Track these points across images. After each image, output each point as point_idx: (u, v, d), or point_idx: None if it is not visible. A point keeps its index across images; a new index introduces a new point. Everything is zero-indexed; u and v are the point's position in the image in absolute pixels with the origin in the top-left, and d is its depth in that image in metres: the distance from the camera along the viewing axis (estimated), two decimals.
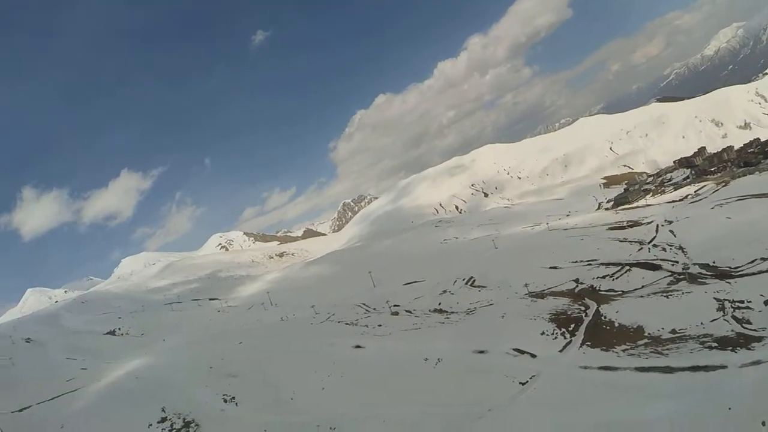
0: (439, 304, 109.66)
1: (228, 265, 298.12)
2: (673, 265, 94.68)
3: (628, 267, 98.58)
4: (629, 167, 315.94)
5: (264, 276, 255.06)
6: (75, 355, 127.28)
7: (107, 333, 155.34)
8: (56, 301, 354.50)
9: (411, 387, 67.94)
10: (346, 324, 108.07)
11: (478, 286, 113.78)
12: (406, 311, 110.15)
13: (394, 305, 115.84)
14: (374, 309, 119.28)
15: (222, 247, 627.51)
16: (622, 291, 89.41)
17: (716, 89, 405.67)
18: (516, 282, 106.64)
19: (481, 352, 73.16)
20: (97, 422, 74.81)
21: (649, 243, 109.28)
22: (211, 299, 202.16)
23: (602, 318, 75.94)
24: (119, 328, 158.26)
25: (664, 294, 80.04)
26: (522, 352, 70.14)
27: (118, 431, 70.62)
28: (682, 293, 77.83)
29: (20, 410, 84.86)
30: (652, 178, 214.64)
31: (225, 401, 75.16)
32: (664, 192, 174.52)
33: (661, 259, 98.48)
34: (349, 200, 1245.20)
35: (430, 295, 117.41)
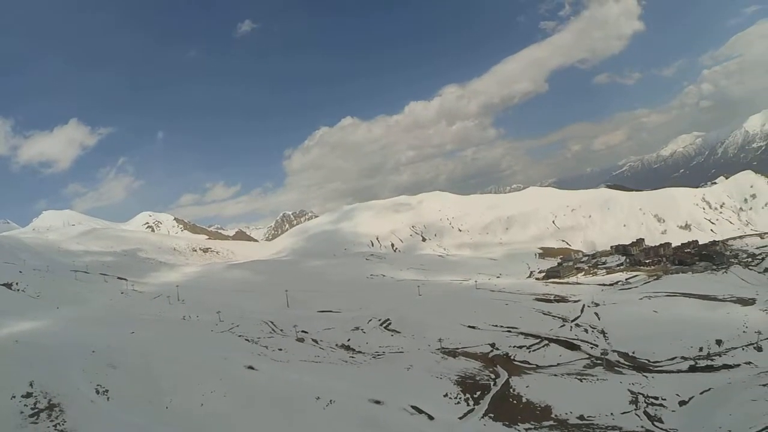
0: (348, 340, 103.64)
1: (149, 247, 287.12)
2: (592, 348, 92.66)
3: (547, 342, 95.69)
4: (567, 243, 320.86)
5: (182, 268, 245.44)
6: None
7: (2, 284, 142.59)
8: None
9: (294, 426, 61.86)
10: (246, 340, 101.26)
11: (392, 330, 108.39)
12: (313, 340, 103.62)
13: (302, 331, 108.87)
14: (281, 330, 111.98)
15: (148, 227, 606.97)
16: (537, 365, 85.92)
17: (665, 188, 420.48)
18: (431, 334, 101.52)
19: (378, 402, 67.25)
20: None
21: (572, 321, 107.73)
22: (119, 278, 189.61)
23: (511, 390, 71.57)
24: (17, 283, 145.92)
25: (579, 377, 77.00)
26: (420, 411, 64.61)
27: None
28: (597, 379, 74.97)
29: None
30: (587, 258, 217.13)
31: (97, 392, 67.71)
32: (596, 274, 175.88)
33: (582, 340, 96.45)
34: (290, 212, 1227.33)
35: (342, 329, 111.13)
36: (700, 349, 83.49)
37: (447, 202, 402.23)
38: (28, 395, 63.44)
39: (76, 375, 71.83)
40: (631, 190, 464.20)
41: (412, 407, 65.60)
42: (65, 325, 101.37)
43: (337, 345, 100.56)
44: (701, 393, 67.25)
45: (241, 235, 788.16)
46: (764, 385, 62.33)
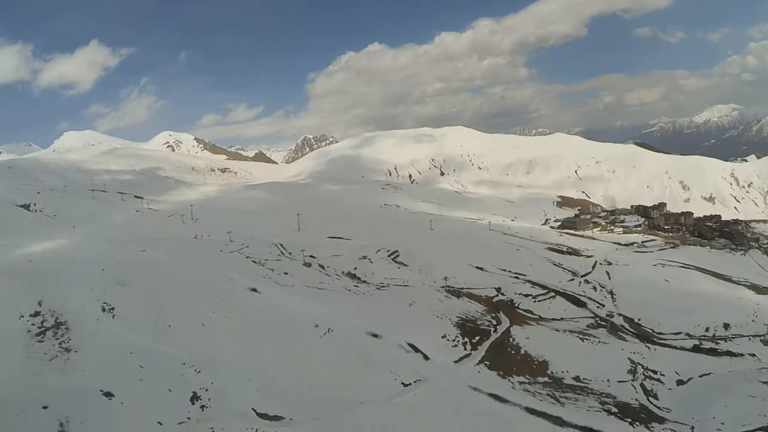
0: (355, 269, 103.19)
1: (168, 166, 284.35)
2: (598, 307, 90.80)
3: (553, 294, 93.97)
4: (587, 195, 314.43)
5: (200, 187, 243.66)
6: None
7: (21, 205, 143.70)
8: None
9: (290, 352, 62.54)
10: (253, 261, 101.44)
11: (400, 263, 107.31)
12: (320, 266, 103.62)
13: (310, 256, 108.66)
14: (289, 254, 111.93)
15: (169, 146, 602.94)
16: (540, 316, 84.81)
17: (694, 155, 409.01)
18: (438, 270, 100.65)
19: (375, 336, 67.24)
20: None
21: (582, 276, 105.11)
22: (136, 196, 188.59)
23: (510, 339, 71.10)
24: (35, 204, 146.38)
25: (581, 336, 75.88)
26: (416, 349, 64.51)
27: None
28: (599, 341, 73.77)
29: None
30: (605, 213, 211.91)
31: (103, 310, 70.26)
32: (612, 231, 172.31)
33: (589, 297, 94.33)
34: (311, 137, 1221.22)
35: (349, 257, 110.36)
36: (706, 330, 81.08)
37: (470, 138, 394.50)
38: (36, 314, 66.57)
39: (84, 293, 74.17)
40: (660, 152, 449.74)
41: (409, 345, 65.52)
42: (79, 244, 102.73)
43: (343, 273, 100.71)
44: (701, 376, 65.79)
45: (260, 157, 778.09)
46: (765, 383, 60.71)
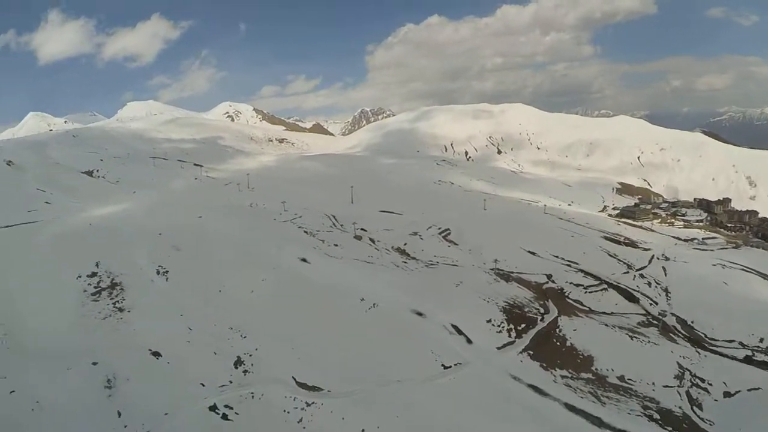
0: (405, 244, 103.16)
1: (227, 135, 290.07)
2: (651, 304, 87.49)
3: (606, 286, 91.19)
4: (648, 183, 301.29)
5: (257, 156, 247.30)
6: (48, 187, 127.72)
7: (85, 172, 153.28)
8: (51, 129, 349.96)
9: (333, 324, 63.43)
10: (305, 232, 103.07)
11: (450, 242, 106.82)
12: (370, 239, 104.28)
13: (361, 229, 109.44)
14: (341, 226, 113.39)
15: (228, 116, 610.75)
16: (590, 308, 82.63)
17: (764, 150, 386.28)
18: (489, 252, 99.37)
19: (420, 314, 67.40)
20: (35, 261, 74.47)
21: (637, 270, 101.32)
22: (195, 164, 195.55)
23: (557, 330, 69.94)
24: (98, 170, 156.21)
25: (630, 333, 73.55)
26: (460, 332, 64.38)
27: (47, 276, 69.44)
28: (648, 341, 71.37)
29: None
30: (667, 204, 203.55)
31: (158, 272, 74.13)
32: (672, 224, 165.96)
33: (642, 293, 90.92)
34: (369, 109, 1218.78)
35: (400, 232, 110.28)
36: (761, 340, 75.34)
37: (529, 116, 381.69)
38: (93, 275, 71.61)
39: (141, 256, 79.04)
40: (728, 143, 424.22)
41: (453, 326, 65.46)
42: (138, 209, 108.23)
43: (392, 248, 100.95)
44: (749, 390, 62.00)
45: (317, 128, 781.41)
46: None
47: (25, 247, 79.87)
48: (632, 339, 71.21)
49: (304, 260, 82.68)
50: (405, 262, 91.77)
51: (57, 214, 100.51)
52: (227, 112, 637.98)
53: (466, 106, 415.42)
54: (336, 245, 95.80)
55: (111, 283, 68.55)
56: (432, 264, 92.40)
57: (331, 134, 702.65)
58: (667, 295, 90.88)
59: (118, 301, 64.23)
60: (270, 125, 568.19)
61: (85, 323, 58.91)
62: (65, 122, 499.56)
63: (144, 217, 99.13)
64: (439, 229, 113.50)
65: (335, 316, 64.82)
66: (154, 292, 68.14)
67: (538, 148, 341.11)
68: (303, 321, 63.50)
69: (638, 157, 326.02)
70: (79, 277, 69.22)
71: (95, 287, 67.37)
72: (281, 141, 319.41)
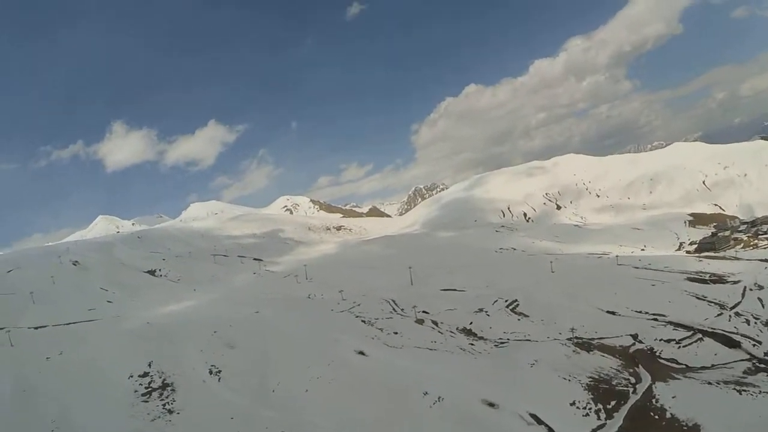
0: (471, 323, 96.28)
1: (286, 228, 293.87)
2: (754, 345, 76.25)
3: (700, 335, 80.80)
4: (720, 207, 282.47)
5: (316, 246, 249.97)
6: (111, 286, 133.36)
7: (147, 271, 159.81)
8: (118, 231, 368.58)
9: (396, 423, 57.90)
10: (363, 321, 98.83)
11: (519, 314, 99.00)
12: (433, 322, 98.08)
13: (423, 311, 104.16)
14: (402, 310, 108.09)
15: (287, 210, 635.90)
16: (686, 365, 72.64)
17: None
18: (563, 319, 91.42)
19: (492, 405, 59.93)
20: (89, 359, 76.25)
21: (731, 309, 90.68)
22: (255, 259, 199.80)
23: (653, 401, 60.62)
24: (160, 270, 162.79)
25: (737, 386, 62.79)
26: (540, 421, 56.40)
27: (99, 375, 71.02)
28: (759, 391, 60.55)
29: (36, 328, 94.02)
30: (745, 226, 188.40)
31: (210, 372, 73.15)
32: (757, 246, 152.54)
33: (742, 335, 79.77)
34: (422, 186, 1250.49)
35: (464, 310, 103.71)
36: None
37: (583, 163, 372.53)
38: (145, 374, 71.42)
39: (194, 355, 78.17)
40: None
41: (531, 415, 57.39)
42: (197, 307, 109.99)
43: (457, 329, 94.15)
44: None
45: (374, 212, 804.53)
46: None
47: (81, 345, 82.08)
48: (741, 393, 60.40)
49: (361, 353, 77.62)
50: (472, 344, 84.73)
51: (117, 312, 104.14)
52: (285, 206, 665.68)
53: (518, 166, 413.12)
54: (396, 333, 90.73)
55: (162, 384, 68.35)
56: (502, 342, 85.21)
57: (388, 216, 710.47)
58: None
59: (168, 403, 63.58)
60: (327, 214, 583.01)
61: (134, 424, 58.47)
62: (132, 224, 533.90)
63: (201, 314, 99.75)
64: (506, 301, 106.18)
65: (396, 415, 58.86)
66: (206, 393, 66.69)
67: (598, 196, 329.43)
68: (362, 420, 58.94)
69: (703, 182, 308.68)
70: (131, 376, 69.76)
71: (146, 387, 67.42)
72: (339, 228, 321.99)
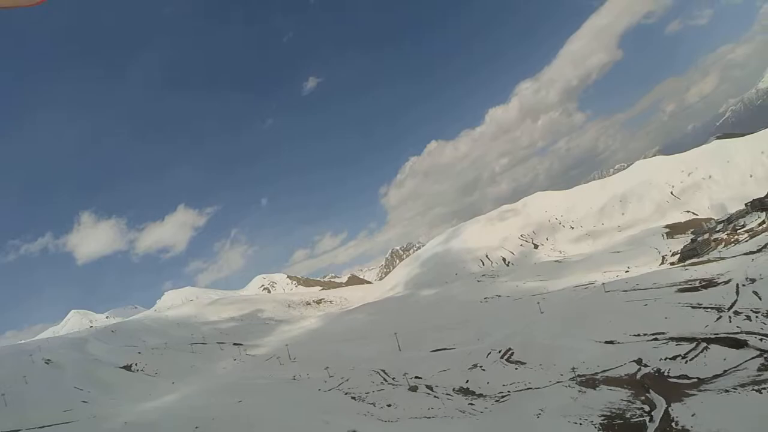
0: (467, 381, 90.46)
1: (264, 308, 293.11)
2: (762, 340, 71.38)
3: (705, 344, 75.85)
4: (693, 213, 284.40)
5: (298, 322, 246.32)
6: (85, 385, 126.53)
7: (123, 367, 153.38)
8: (91, 326, 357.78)
9: None
10: (352, 398, 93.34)
11: (516, 362, 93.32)
12: (427, 387, 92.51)
13: (415, 377, 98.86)
14: (393, 379, 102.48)
15: (264, 289, 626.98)
16: (698, 378, 66.92)
17: None
18: (562, 360, 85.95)
19: None
20: None
21: (729, 309, 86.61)
22: (235, 344, 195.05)
23: (673, 425, 54.98)
24: (136, 364, 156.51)
25: (756, 387, 57.65)
26: None
27: None
28: None
29: None
30: (722, 224, 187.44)
31: None
32: (738, 241, 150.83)
33: (747, 332, 75.25)
34: (398, 247, 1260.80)
35: (458, 369, 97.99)
36: None
37: (551, 199, 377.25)
38: None
39: None
40: (744, 135, 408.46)
41: None
42: (177, 401, 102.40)
43: (453, 390, 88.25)
44: None
45: (354, 280, 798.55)
46: None
47: None
48: (761, 393, 55.55)
49: None
50: (471, 404, 78.60)
51: (93, 413, 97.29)
52: (263, 285, 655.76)
53: (490, 213, 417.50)
54: (389, 405, 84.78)
55: None
56: (503, 397, 79.16)
57: (368, 282, 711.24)
58: None
59: None
60: (306, 288, 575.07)
61: None
62: (106, 317, 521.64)
63: (181, 409, 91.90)
64: (500, 352, 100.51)
65: None
66: None
67: (572, 227, 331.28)
68: None
69: (671, 192, 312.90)
70: None
71: None
72: (319, 302, 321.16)
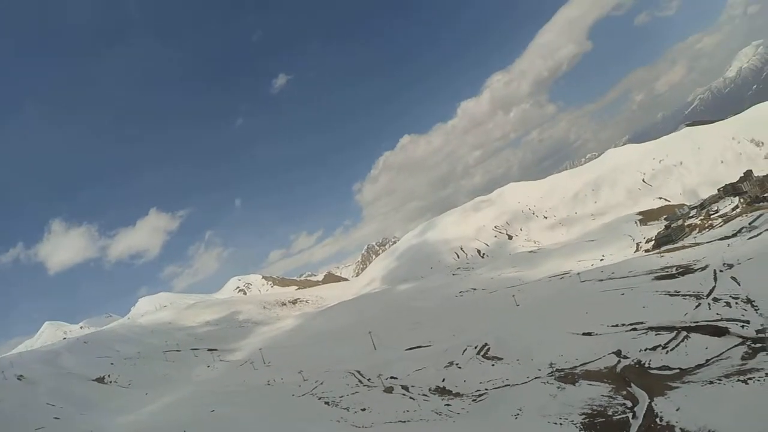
0: (443, 380, 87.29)
1: (239, 310, 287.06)
2: (743, 327, 69.20)
3: (685, 332, 73.56)
4: (666, 199, 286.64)
5: (273, 324, 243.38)
6: (58, 400, 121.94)
7: (95, 379, 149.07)
8: (65, 337, 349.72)
9: None
10: (326, 403, 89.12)
11: (492, 358, 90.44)
12: (402, 387, 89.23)
13: (390, 377, 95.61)
14: (368, 380, 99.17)
15: (240, 290, 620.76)
16: (680, 369, 64.29)
17: (744, 110, 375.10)
18: (539, 354, 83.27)
19: None
20: None
21: (708, 296, 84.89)
22: (209, 350, 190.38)
23: (658, 421, 52.14)
24: (109, 375, 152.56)
25: (740, 376, 55.10)
26: None
27: None
28: (766, 374, 53.11)
29: None
30: (695, 210, 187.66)
31: None
32: (712, 226, 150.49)
33: (727, 319, 73.11)
34: (374, 243, 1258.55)
35: (434, 367, 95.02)
36: None
37: (525, 189, 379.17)
38: None
39: None
40: (713, 122, 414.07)
41: None
42: (149, 414, 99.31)
43: (430, 390, 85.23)
44: None
45: (330, 278, 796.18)
46: None
47: None
48: (747, 383, 52.71)
49: None
50: (448, 405, 75.45)
51: (66, 430, 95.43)
52: (238, 287, 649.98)
53: (464, 204, 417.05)
54: (363, 409, 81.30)
55: None
56: (480, 395, 76.08)
57: (345, 279, 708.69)
58: (753, 306, 74.15)
59: None
60: (282, 288, 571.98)
61: None
62: (81, 327, 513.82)
63: (154, 422, 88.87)
64: (476, 348, 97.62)
65: None
66: None
67: (545, 217, 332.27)
68: None
69: (642, 179, 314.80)
70: None
71: None
72: (294, 302, 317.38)
